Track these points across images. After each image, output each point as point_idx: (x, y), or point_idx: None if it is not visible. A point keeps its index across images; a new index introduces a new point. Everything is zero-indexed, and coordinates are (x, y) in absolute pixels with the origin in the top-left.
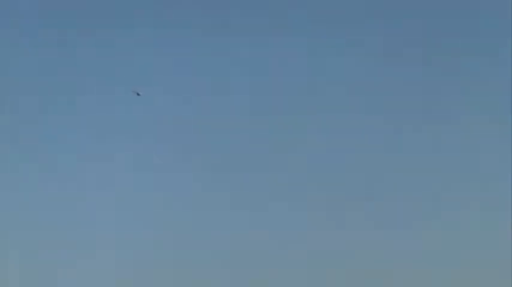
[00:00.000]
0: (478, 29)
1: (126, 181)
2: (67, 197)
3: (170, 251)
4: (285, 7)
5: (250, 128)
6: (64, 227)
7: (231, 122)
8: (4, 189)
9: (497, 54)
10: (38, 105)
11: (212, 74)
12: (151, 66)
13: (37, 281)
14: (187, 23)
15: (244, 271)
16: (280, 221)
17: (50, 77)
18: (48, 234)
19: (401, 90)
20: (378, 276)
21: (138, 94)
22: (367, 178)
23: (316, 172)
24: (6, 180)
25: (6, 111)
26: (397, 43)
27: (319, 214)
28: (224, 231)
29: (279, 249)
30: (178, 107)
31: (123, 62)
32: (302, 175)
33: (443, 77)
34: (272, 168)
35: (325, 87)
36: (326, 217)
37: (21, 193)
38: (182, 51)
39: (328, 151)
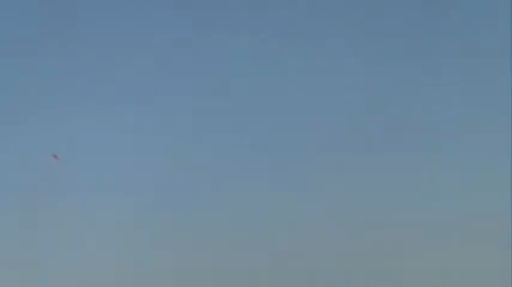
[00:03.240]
0: (478, 29)
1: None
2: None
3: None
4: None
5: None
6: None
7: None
8: None
9: (497, 54)
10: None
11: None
12: None
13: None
14: None
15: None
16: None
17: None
18: None
19: (399, 89)
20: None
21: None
22: (365, 177)
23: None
24: None
25: None
26: (396, 42)
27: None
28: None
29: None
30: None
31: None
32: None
33: (443, 77)
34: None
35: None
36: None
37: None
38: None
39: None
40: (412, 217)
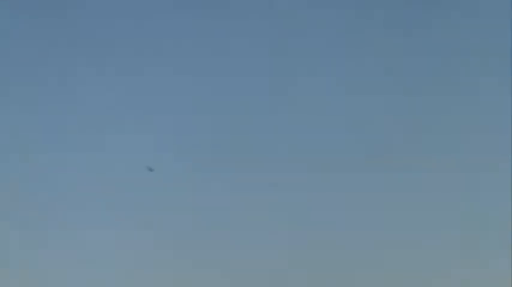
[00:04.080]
0: (477, 29)
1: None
2: None
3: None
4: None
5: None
6: None
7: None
8: None
9: (497, 54)
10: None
11: None
12: None
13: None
14: None
15: None
16: None
17: None
18: None
19: (399, 90)
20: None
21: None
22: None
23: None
24: None
25: None
26: (396, 42)
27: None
28: None
29: None
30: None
31: None
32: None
33: (443, 76)
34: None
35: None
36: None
37: None
38: None
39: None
40: (412, 217)
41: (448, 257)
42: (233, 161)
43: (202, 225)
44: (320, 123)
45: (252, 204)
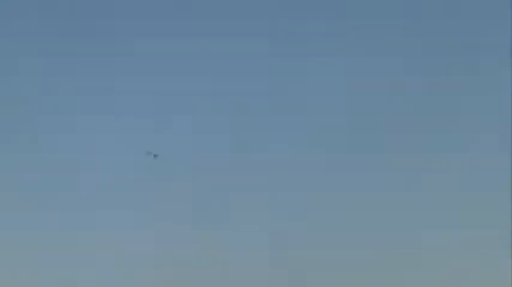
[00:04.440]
0: (477, 29)
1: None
2: None
3: None
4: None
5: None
6: None
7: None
8: None
9: (497, 54)
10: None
11: None
12: None
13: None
14: None
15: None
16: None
17: None
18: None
19: (400, 90)
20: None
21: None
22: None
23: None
24: None
25: None
26: (397, 42)
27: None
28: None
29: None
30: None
31: None
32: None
33: (444, 76)
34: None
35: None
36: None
37: None
38: None
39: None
40: (412, 217)
41: (448, 257)
42: (232, 161)
43: (201, 224)
44: (320, 122)
45: (251, 204)
